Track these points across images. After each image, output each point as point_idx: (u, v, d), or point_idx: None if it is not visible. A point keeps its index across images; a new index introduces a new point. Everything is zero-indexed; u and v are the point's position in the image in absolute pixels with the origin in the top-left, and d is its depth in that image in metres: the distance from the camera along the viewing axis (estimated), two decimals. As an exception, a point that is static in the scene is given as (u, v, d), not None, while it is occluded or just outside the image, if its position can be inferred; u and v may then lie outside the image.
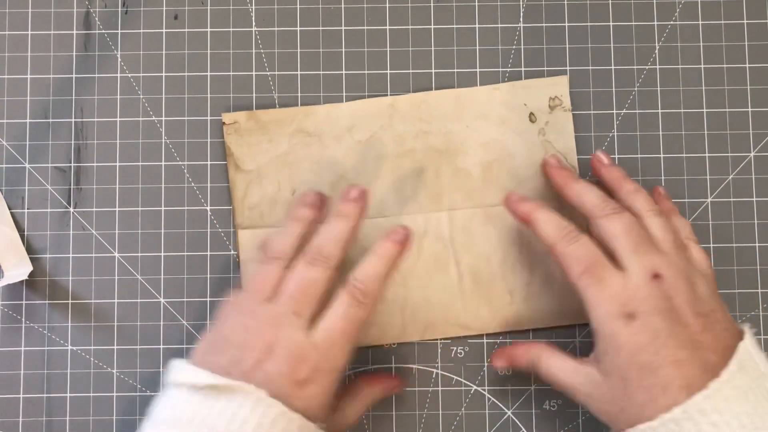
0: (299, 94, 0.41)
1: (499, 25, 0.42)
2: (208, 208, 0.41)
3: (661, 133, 0.41)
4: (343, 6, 0.42)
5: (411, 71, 0.42)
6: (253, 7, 0.42)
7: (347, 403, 0.36)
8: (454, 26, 0.42)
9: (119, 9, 0.42)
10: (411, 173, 0.41)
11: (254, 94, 0.41)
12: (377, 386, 0.38)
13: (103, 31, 0.42)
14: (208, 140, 0.41)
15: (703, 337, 0.31)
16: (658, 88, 0.42)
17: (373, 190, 0.40)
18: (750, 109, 0.41)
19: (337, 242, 0.34)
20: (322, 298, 0.34)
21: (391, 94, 0.41)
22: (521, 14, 0.42)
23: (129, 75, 0.41)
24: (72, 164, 0.41)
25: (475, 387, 0.40)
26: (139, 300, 0.40)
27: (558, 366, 0.35)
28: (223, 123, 0.41)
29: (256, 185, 0.40)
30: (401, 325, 0.40)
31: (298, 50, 0.42)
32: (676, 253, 0.34)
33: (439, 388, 0.40)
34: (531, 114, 0.41)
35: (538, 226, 0.35)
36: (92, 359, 0.40)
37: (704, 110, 0.41)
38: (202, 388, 0.30)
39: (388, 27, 0.42)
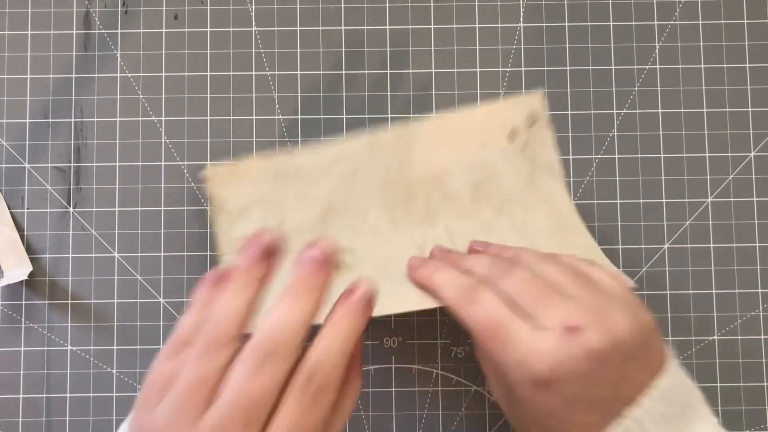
0: (299, 94, 0.41)
1: (499, 25, 0.42)
2: (208, 208, 0.41)
3: (661, 133, 0.41)
4: (343, 6, 0.42)
5: (411, 71, 0.42)
6: (253, 7, 0.42)
7: None
8: (454, 26, 0.42)
9: (119, 9, 0.42)
10: (400, 201, 0.40)
11: (254, 94, 0.41)
12: None
13: (103, 31, 0.42)
14: (208, 140, 0.41)
15: (623, 391, 0.28)
16: (658, 88, 0.42)
17: (364, 219, 0.39)
18: (750, 109, 0.41)
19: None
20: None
21: (390, 94, 0.41)
22: (521, 14, 0.42)
23: (129, 75, 0.41)
24: (72, 164, 0.41)
25: (475, 387, 0.40)
26: (138, 300, 0.40)
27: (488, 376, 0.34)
28: (206, 176, 0.39)
29: (242, 222, 0.39)
30: (402, 292, 0.36)
31: (298, 50, 0.42)
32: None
33: (439, 388, 0.40)
34: (511, 132, 0.40)
35: (438, 293, 0.32)
36: (92, 359, 0.40)
37: (704, 110, 0.41)
38: None
39: (388, 27, 0.42)
